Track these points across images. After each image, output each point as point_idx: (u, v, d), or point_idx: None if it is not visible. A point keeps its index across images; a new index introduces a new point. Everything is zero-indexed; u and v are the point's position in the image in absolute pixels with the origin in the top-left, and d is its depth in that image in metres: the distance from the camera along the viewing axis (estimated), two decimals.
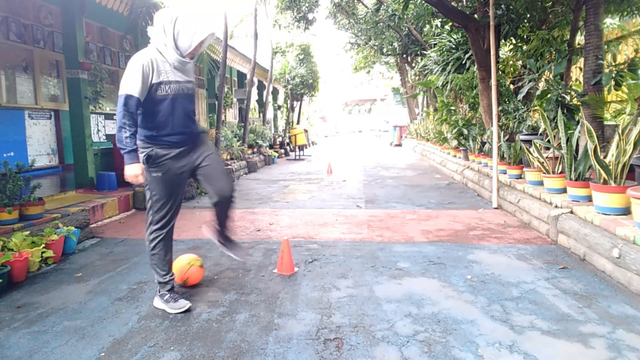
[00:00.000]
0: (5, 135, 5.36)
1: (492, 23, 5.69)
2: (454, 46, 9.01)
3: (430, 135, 12.75)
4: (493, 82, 5.68)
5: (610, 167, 3.56)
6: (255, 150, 12.54)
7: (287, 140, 16.93)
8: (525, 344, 2.27)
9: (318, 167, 11.64)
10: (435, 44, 9.82)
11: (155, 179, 2.74)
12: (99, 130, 7.22)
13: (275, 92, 20.05)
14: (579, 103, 5.12)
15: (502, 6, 6.76)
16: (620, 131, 3.57)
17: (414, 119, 18.65)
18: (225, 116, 12.45)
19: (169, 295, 2.82)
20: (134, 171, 2.62)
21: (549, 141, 4.72)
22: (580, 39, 6.21)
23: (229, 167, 9.01)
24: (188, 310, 2.77)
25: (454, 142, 9.28)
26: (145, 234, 2.91)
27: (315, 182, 8.58)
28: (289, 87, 18.10)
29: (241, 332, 2.50)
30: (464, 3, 8.09)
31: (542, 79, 6.80)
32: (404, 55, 16.81)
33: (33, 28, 5.87)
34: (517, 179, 5.61)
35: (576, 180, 4.17)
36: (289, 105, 19.50)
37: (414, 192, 7.14)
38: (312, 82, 18.24)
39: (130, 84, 2.54)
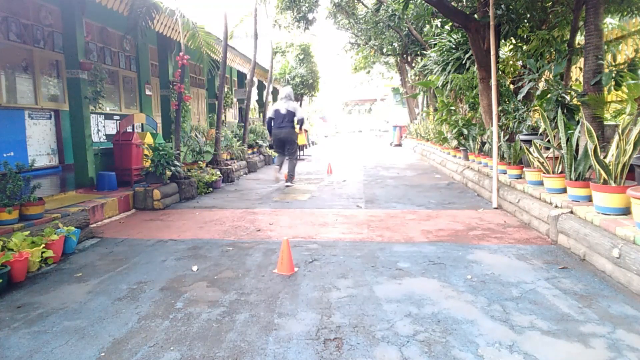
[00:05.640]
0: (5, 135, 5.36)
1: (492, 23, 5.70)
2: (454, 46, 9.01)
3: (430, 135, 12.75)
4: (493, 82, 5.68)
5: (610, 167, 3.56)
6: (255, 150, 12.53)
7: None
8: (525, 344, 2.27)
9: (318, 167, 11.64)
10: (435, 44, 9.83)
11: None
12: (99, 130, 7.23)
13: (275, 92, 20.02)
14: (579, 103, 5.12)
15: (502, 6, 6.76)
16: (620, 131, 3.57)
17: (414, 119, 18.65)
18: (225, 116, 12.45)
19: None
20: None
21: (549, 141, 4.72)
22: (580, 39, 6.21)
23: (229, 166, 9.01)
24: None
25: (454, 142, 9.28)
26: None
27: (315, 182, 8.58)
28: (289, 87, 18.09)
29: (241, 332, 2.50)
30: (464, 3, 8.09)
31: (542, 79, 6.79)
32: (404, 55, 16.81)
33: (33, 28, 5.88)
34: (517, 179, 5.61)
35: (576, 180, 4.17)
36: None
37: (414, 192, 7.14)
38: (312, 82, 18.27)
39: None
